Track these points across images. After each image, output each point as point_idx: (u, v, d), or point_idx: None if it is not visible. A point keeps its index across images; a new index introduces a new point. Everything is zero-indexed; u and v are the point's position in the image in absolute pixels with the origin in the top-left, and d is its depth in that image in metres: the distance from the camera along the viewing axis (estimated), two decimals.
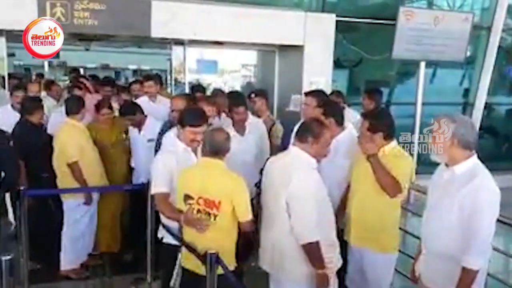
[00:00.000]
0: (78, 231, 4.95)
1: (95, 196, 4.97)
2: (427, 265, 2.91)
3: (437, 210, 2.80)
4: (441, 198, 2.78)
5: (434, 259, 2.86)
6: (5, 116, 5.51)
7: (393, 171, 3.33)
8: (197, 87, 6.41)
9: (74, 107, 4.90)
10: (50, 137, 5.01)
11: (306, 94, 4.67)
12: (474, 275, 2.62)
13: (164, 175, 3.43)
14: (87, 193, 4.88)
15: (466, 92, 9.36)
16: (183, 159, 3.48)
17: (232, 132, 4.15)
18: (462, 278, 2.62)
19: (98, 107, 5.13)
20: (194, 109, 3.97)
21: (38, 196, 4.91)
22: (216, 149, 3.32)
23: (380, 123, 3.52)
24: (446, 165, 2.81)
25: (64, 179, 4.81)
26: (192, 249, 3.31)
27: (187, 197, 3.32)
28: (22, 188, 4.54)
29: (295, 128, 3.54)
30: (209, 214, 3.25)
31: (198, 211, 3.27)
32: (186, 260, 3.44)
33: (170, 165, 3.43)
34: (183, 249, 3.45)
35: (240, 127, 4.80)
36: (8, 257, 3.03)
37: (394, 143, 3.56)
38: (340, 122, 3.89)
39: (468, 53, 8.70)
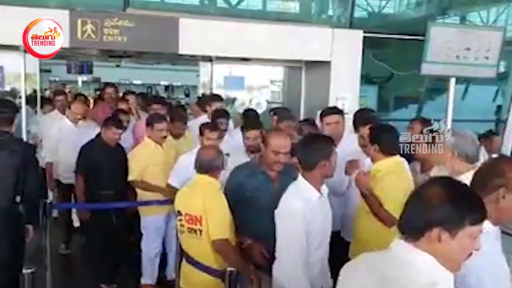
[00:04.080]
0: (154, 250, 5.04)
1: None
2: None
3: None
4: None
5: None
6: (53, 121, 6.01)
7: (378, 189, 3.38)
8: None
9: (149, 121, 5.02)
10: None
11: (332, 112, 4.60)
12: None
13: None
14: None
15: (499, 108, 9.15)
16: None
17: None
18: None
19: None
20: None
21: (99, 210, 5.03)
22: (203, 166, 3.46)
23: (376, 136, 3.55)
24: None
25: (141, 194, 4.99)
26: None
27: (178, 213, 3.46)
28: (49, 201, 4.67)
29: None
30: (194, 230, 3.33)
31: (188, 229, 3.37)
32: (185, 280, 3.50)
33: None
34: (185, 266, 3.50)
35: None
36: (30, 271, 3.09)
37: (393, 159, 3.53)
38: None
39: (502, 69, 8.54)
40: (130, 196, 5.18)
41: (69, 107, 6.13)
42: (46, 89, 12.00)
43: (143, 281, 5.08)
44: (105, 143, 5.05)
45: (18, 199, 4.03)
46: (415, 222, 1.62)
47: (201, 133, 4.53)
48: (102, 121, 5.30)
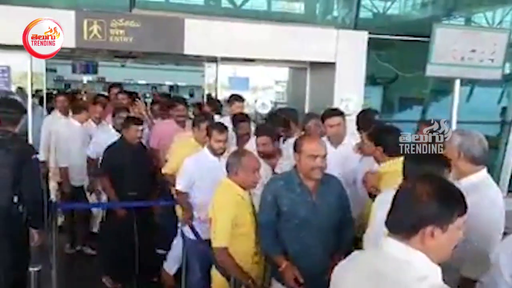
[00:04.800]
0: (178, 250, 5.04)
1: None
2: None
3: None
4: None
5: None
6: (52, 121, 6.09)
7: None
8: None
9: (195, 122, 4.96)
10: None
11: (333, 114, 4.54)
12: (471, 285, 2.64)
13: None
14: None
15: (504, 110, 9.12)
16: None
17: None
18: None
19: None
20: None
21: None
22: (226, 168, 3.49)
23: (379, 138, 3.60)
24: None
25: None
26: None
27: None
28: (53, 200, 4.69)
29: None
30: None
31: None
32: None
33: None
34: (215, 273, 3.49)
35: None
36: (36, 269, 3.13)
37: (399, 160, 3.53)
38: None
39: (507, 71, 8.51)
40: (154, 196, 5.19)
41: (84, 108, 6.14)
42: (58, 90, 12.05)
43: (165, 266, 5.12)
44: (128, 144, 5.06)
45: (15, 199, 4.01)
46: (408, 222, 1.65)
47: (209, 134, 4.42)
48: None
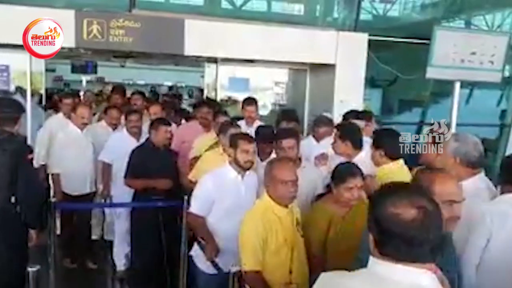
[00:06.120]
0: None
1: None
2: None
3: None
4: None
5: None
6: (55, 123, 5.92)
7: None
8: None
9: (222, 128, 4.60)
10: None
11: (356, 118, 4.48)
12: None
13: None
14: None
15: (503, 113, 9.13)
16: None
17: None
18: None
19: None
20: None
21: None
22: None
23: (380, 140, 3.56)
24: None
25: None
26: None
27: None
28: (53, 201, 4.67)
29: None
30: None
31: None
32: None
33: None
34: None
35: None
36: (35, 269, 3.11)
37: (399, 164, 3.53)
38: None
39: (507, 74, 8.52)
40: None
41: (105, 112, 6.02)
42: (59, 90, 12.02)
43: None
44: (154, 147, 4.95)
45: (13, 199, 3.93)
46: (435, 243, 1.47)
47: (233, 144, 3.72)
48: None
